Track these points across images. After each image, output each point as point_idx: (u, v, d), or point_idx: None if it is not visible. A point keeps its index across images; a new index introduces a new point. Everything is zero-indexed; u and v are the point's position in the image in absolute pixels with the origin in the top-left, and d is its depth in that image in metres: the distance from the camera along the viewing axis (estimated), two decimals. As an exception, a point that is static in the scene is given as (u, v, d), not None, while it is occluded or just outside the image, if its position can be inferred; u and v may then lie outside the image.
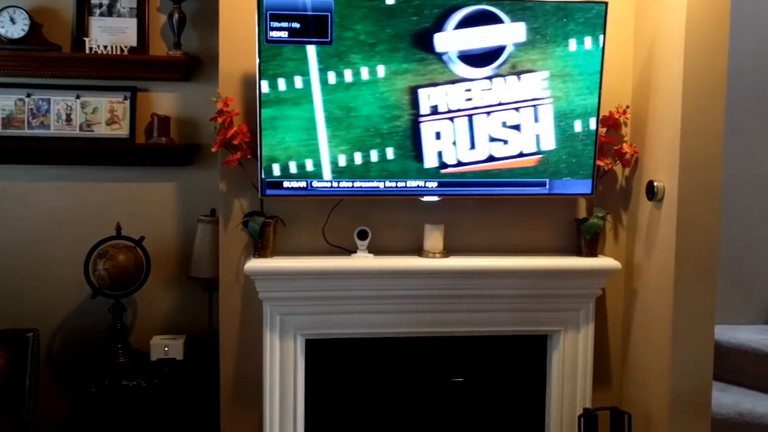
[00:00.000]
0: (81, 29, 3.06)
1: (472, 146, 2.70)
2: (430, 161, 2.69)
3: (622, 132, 2.90)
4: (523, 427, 2.94)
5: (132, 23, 3.09)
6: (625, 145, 2.84)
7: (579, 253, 2.87)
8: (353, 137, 2.63)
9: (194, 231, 3.04)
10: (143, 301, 3.14)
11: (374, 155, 2.65)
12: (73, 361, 3.04)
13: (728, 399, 3.15)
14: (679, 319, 2.59)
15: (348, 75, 2.60)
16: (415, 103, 2.64)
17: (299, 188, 2.65)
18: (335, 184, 2.66)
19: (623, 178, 2.95)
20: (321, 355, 2.80)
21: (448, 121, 2.67)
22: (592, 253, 2.85)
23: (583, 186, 2.77)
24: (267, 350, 2.71)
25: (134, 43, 3.07)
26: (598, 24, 2.66)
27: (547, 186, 2.75)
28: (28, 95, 3.07)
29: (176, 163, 3.12)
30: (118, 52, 3.01)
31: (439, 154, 2.69)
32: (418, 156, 2.67)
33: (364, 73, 2.60)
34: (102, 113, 3.11)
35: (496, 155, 2.72)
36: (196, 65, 3.10)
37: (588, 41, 2.68)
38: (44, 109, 3.08)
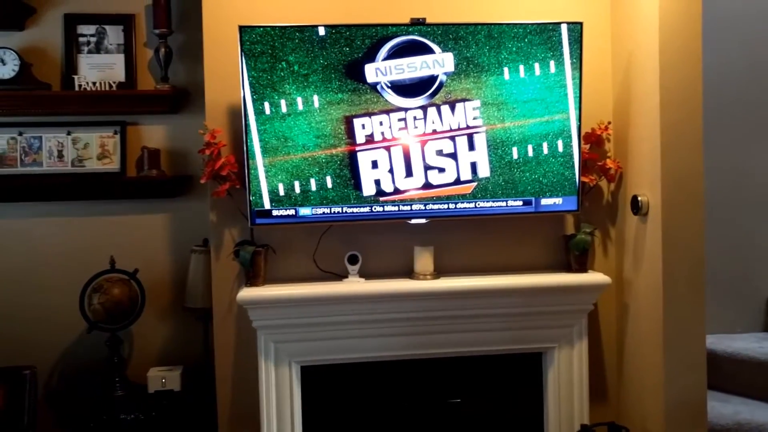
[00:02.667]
0: (70, 67, 3.11)
1: (409, 174, 2.73)
2: (367, 189, 2.71)
3: (606, 148, 2.94)
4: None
5: (120, 59, 3.14)
6: (608, 160, 2.88)
7: (569, 269, 2.89)
8: (290, 167, 2.67)
9: (188, 261, 3.05)
10: (139, 333, 3.15)
11: (313, 184, 2.68)
12: (72, 396, 3.05)
13: (727, 409, 3.15)
14: (670, 331, 2.61)
15: (283, 105, 2.64)
16: (350, 132, 2.68)
17: (288, 216, 2.68)
18: (322, 211, 2.69)
19: (609, 193, 2.97)
20: (317, 381, 2.81)
21: (384, 150, 2.70)
22: (582, 268, 2.87)
23: (569, 202, 2.79)
24: (263, 379, 2.72)
25: (122, 79, 3.12)
26: (557, 45, 2.71)
27: (533, 204, 2.78)
28: (20, 133, 3.11)
29: (168, 195, 3.15)
30: (107, 88, 3.05)
31: (377, 182, 2.72)
32: (357, 184, 2.71)
33: (299, 103, 2.65)
34: (93, 148, 3.15)
35: (433, 183, 2.75)
36: (183, 97, 3.14)
37: (552, 64, 2.73)
38: (36, 146, 3.12)
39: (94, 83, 3.06)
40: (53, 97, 3.07)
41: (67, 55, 3.12)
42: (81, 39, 3.14)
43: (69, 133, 3.14)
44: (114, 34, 3.15)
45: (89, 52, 3.14)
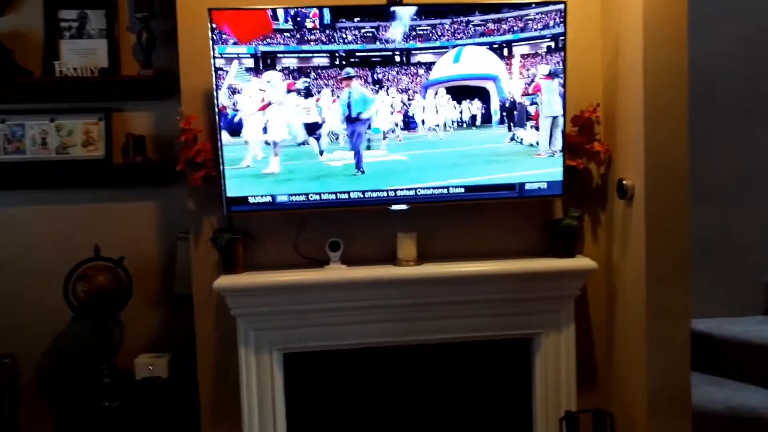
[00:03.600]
0: (52, 53, 3.07)
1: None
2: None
3: (596, 130, 2.85)
4: (511, 429, 2.91)
5: (102, 44, 3.10)
6: (597, 143, 2.80)
7: (556, 254, 2.83)
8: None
9: (176, 248, 3.04)
10: (129, 320, 3.15)
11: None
12: (60, 383, 3.06)
13: (720, 394, 3.09)
14: (653, 316, 2.56)
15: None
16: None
17: (265, 203, 2.64)
18: (300, 198, 2.65)
19: (599, 176, 2.90)
20: (300, 368, 2.80)
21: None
22: (569, 253, 2.81)
23: (554, 187, 2.73)
24: (243, 366, 2.71)
25: (105, 64, 3.08)
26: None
27: (517, 189, 2.72)
28: (3, 121, 3.09)
29: (154, 182, 3.12)
30: (89, 74, 3.02)
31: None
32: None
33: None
34: (77, 135, 3.12)
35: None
36: (168, 83, 3.09)
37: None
38: (19, 134, 3.10)
39: (75, 69, 3.03)
40: (35, 84, 3.05)
41: (48, 41, 3.08)
42: (63, 24, 3.10)
43: (52, 120, 3.12)
44: (96, 19, 3.11)
45: (71, 37, 3.10)
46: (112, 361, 3.05)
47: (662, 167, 2.49)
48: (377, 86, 2.67)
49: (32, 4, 3.07)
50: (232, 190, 2.64)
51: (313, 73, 2.65)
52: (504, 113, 2.75)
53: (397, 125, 2.72)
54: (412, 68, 2.67)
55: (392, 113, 2.70)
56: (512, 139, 2.76)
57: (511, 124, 2.76)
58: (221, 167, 2.61)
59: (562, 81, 2.69)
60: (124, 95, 3.10)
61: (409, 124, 2.68)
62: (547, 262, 2.77)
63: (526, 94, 2.73)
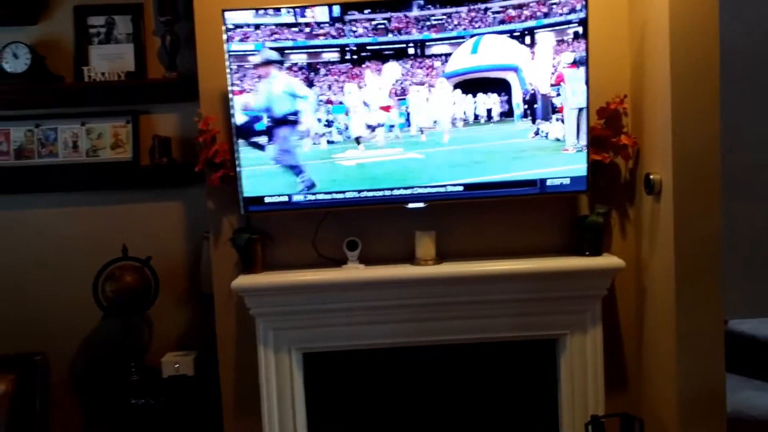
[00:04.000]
0: (81, 58, 3.15)
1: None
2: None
3: (624, 123, 2.74)
4: (536, 433, 2.83)
5: (129, 48, 3.16)
6: (623, 136, 2.68)
7: (582, 252, 2.73)
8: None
9: (201, 248, 3.07)
10: (158, 319, 3.20)
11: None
12: (91, 381, 3.13)
13: (763, 399, 2.92)
14: (683, 316, 2.44)
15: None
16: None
17: (281, 203, 2.64)
18: (316, 197, 2.64)
19: (627, 171, 2.78)
20: (321, 368, 2.78)
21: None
22: (596, 251, 2.71)
23: (578, 182, 2.63)
24: (262, 366, 2.72)
25: (132, 68, 3.14)
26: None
27: (538, 185, 2.63)
28: (37, 126, 3.18)
29: (180, 183, 3.16)
30: (116, 78, 3.08)
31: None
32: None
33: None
34: (106, 138, 3.19)
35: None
36: (192, 85, 3.12)
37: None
38: (52, 138, 3.19)
39: (103, 74, 3.09)
40: (66, 89, 3.12)
41: (78, 47, 3.16)
42: (91, 30, 3.17)
43: (83, 124, 3.19)
44: (123, 24, 3.17)
45: (99, 43, 3.17)
46: (141, 359, 3.10)
47: (691, 160, 2.37)
48: None
49: (63, 11, 3.15)
50: (249, 189, 2.64)
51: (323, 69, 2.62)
52: (527, 106, 2.65)
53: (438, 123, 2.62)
54: (427, 60, 2.60)
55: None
56: (537, 133, 2.66)
57: (535, 117, 2.65)
58: (237, 167, 2.62)
59: (586, 70, 2.58)
60: (151, 98, 3.15)
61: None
62: (572, 260, 2.68)
63: (550, 84, 2.61)
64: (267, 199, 2.64)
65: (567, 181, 2.63)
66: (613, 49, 2.73)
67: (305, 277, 2.65)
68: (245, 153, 2.63)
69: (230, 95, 2.60)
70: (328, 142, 2.67)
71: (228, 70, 2.61)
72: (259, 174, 2.65)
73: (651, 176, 2.50)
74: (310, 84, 2.63)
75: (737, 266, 2.98)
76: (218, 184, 2.67)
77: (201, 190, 3.12)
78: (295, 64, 2.62)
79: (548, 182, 2.64)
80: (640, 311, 2.78)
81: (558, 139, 2.64)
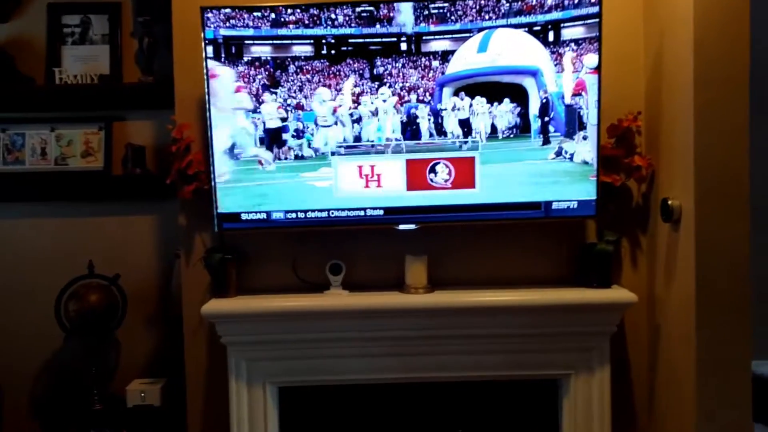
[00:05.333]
0: (53, 59, 2.93)
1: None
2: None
3: (636, 142, 2.50)
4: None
5: (104, 50, 2.95)
6: (637, 157, 2.43)
7: (588, 284, 2.47)
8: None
9: (173, 267, 2.83)
10: (125, 342, 2.97)
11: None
12: (50, 409, 2.89)
13: (786, 451, 2.65)
14: (705, 360, 2.17)
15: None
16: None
17: (258, 221, 2.39)
18: (297, 215, 2.39)
19: (640, 195, 2.53)
20: (298, 404, 2.53)
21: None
22: (604, 283, 2.45)
23: (585, 206, 2.38)
24: (233, 400, 2.46)
25: (107, 71, 2.93)
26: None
27: (543, 208, 2.38)
28: (3, 130, 2.97)
29: (154, 195, 2.94)
30: (89, 81, 2.86)
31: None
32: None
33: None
34: (77, 146, 2.97)
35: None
36: (169, 91, 2.89)
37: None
38: (19, 143, 2.97)
39: (75, 76, 2.87)
40: (35, 92, 2.91)
41: (51, 47, 2.95)
42: (65, 30, 2.97)
43: (53, 130, 2.98)
44: (99, 24, 2.97)
45: (74, 43, 2.97)
46: (106, 385, 2.87)
47: (716, 184, 2.12)
48: (377, 83, 2.31)
49: (36, 9, 2.97)
50: (224, 205, 2.39)
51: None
52: (546, 119, 2.32)
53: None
54: (423, 59, 2.27)
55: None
56: (558, 154, 2.36)
57: (557, 134, 2.32)
58: (212, 181, 2.38)
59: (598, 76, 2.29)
60: (125, 104, 2.95)
61: (416, 133, 2.36)
62: (578, 292, 2.42)
63: (576, 93, 2.28)
64: (244, 216, 2.39)
65: (574, 205, 2.38)
66: (626, 61, 2.50)
67: (283, 303, 2.40)
68: (222, 165, 2.39)
69: (207, 97, 2.36)
70: (297, 157, 2.37)
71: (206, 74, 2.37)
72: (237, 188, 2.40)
73: (669, 202, 2.25)
74: (275, 84, 2.33)
75: (757, 302, 2.72)
76: (190, 197, 2.43)
77: (176, 205, 2.88)
78: (257, 58, 2.33)
79: (554, 205, 2.39)
80: (652, 352, 2.52)
81: (586, 162, 2.34)
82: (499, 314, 2.41)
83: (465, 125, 2.34)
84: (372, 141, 2.33)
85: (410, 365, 2.47)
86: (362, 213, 2.39)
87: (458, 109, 2.32)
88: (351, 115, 2.33)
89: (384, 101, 2.29)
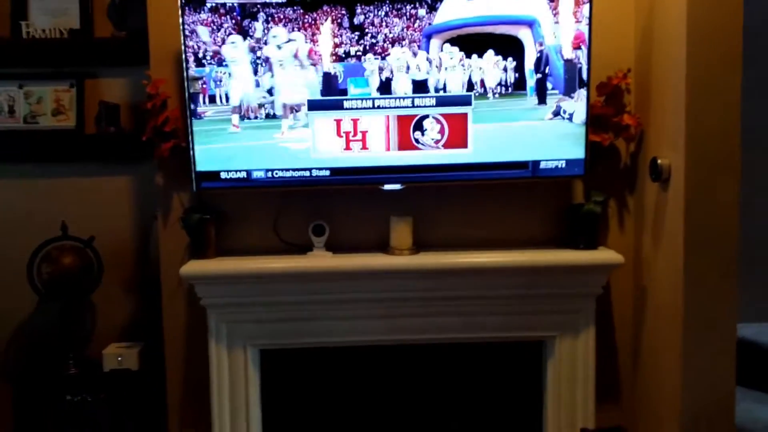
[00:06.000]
0: (19, 12, 2.79)
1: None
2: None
3: (626, 101, 2.45)
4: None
5: (74, 3, 2.81)
6: (626, 116, 2.39)
7: (575, 245, 2.44)
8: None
9: (150, 229, 2.75)
10: (101, 305, 2.89)
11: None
12: (23, 373, 2.82)
13: (765, 413, 2.67)
14: (691, 321, 2.16)
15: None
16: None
17: (238, 180, 2.31)
18: (279, 174, 2.31)
19: (628, 155, 2.49)
20: (279, 367, 2.49)
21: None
22: (591, 245, 2.43)
23: (574, 166, 2.33)
24: (214, 363, 2.41)
25: (77, 25, 2.79)
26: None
27: (530, 168, 2.33)
28: (-32, 88, 2.83)
29: (129, 156, 2.83)
30: (58, 36, 2.73)
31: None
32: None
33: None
34: (47, 103, 2.85)
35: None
36: (145, 46, 2.78)
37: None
38: (-15, 101, 2.83)
39: (44, 30, 2.74)
40: (1, 47, 2.77)
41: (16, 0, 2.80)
42: (32, -20, 2.81)
43: (21, 87, 2.85)
44: (69, -27, 2.82)
45: (40, -5, 2.82)
46: (81, 349, 2.79)
47: (707, 142, 2.08)
48: (357, 33, 2.20)
49: (-1, -42, 2.79)
50: (203, 163, 2.31)
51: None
52: (543, 75, 2.23)
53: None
54: (408, 7, 2.13)
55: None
56: (557, 113, 2.29)
57: (554, 91, 2.22)
58: (190, 137, 2.29)
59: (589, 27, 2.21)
60: (98, 60, 2.82)
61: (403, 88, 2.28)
62: (564, 254, 2.39)
63: (576, 47, 2.17)
64: (223, 175, 2.31)
65: (562, 165, 2.34)
66: (615, 17, 2.43)
67: (264, 264, 2.34)
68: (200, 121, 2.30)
69: (184, 52, 2.26)
70: (268, 116, 2.25)
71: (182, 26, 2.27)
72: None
73: (659, 161, 2.21)
74: (242, 34, 2.21)
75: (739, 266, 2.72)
76: (168, 156, 2.34)
77: (153, 166, 2.79)
78: (223, 4, 2.18)
79: (542, 165, 2.34)
80: (638, 313, 2.50)
81: (586, 122, 2.27)
82: (484, 276, 2.38)
83: (454, 81, 2.26)
84: (355, 96, 2.25)
85: (394, 327, 2.43)
86: (346, 173, 2.32)
87: (447, 65, 2.24)
88: (329, 70, 2.24)
89: (365, 54, 2.20)
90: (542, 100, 2.27)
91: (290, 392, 2.51)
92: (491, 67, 2.22)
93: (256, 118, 2.26)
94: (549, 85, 2.26)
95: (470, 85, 2.24)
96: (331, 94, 2.23)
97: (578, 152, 2.32)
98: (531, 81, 2.25)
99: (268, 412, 2.49)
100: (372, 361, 2.52)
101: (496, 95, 2.25)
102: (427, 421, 2.55)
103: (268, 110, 2.26)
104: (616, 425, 2.37)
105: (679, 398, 2.19)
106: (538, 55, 2.23)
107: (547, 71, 2.24)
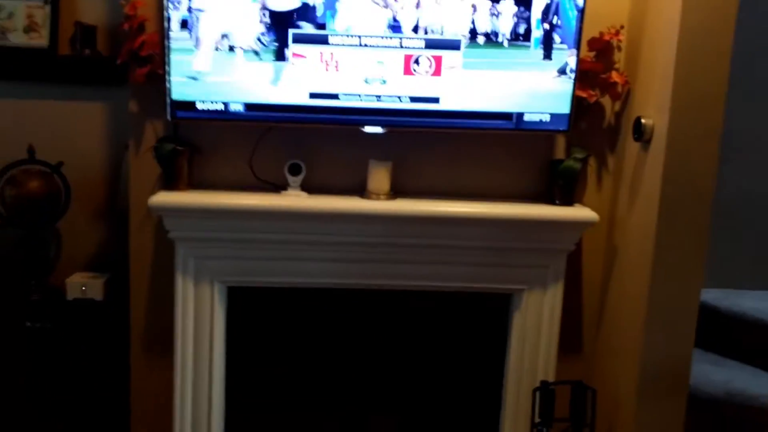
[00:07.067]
0: None
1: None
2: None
3: (615, 58, 2.42)
4: (478, 398, 2.59)
5: None
6: (615, 73, 2.36)
7: (552, 201, 2.43)
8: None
9: (122, 158, 2.68)
10: (68, 234, 2.82)
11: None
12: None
13: (720, 375, 2.74)
14: (658, 281, 2.18)
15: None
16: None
17: (215, 112, 2.25)
18: (258, 110, 2.25)
19: (613, 114, 2.47)
20: (246, 305, 2.47)
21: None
22: (567, 201, 2.42)
23: (559, 120, 2.31)
24: (179, 296, 2.38)
25: (51, -67, 2.65)
26: None
27: (514, 119, 2.30)
28: (-67, -2, 2.68)
29: (104, 80, 2.73)
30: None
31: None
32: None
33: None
34: (19, 19, 2.72)
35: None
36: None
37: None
38: (-48, 13, 2.69)
39: (14, -62, 2.60)
40: (-30, -46, 2.62)
41: None
42: None
43: (-9, 0, 2.70)
44: None
45: None
46: (45, 277, 2.73)
47: (693, 106, 2.06)
48: None
49: None
50: (179, 92, 2.23)
51: None
52: (551, 27, 2.13)
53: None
54: None
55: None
56: (563, 72, 2.22)
57: (563, 45, 2.13)
58: (167, 64, 2.21)
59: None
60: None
61: (396, 28, 2.19)
62: (539, 209, 2.38)
63: None
64: (199, 106, 2.24)
65: (546, 118, 2.30)
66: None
67: (236, 200, 2.29)
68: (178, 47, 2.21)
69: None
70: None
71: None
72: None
73: (643, 120, 2.19)
74: None
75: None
76: (143, 81, 2.26)
77: (129, 92, 2.71)
78: None
79: (526, 117, 2.30)
80: (607, 272, 2.52)
81: None
82: (458, 225, 2.36)
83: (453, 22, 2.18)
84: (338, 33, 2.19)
85: (364, 272, 2.42)
86: (326, 112, 2.26)
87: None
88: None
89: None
90: (548, 54, 2.19)
91: (256, 332, 2.50)
92: (501, 12, 2.10)
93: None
94: (556, 38, 2.17)
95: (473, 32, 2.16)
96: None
97: (563, 107, 2.29)
98: (537, 32, 2.15)
99: (233, 350, 2.47)
100: (340, 304, 2.51)
101: (502, 41, 2.15)
102: (391, 366, 2.56)
103: (250, 41, 2.18)
104: (575, 380, 2.40)
105: (639, 357, 2.23)
106: (548, 1, 2.14)
107: (555, 21, 2.13)
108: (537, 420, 2.38)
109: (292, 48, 2.17)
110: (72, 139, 2.76)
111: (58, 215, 2.69)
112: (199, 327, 2.39)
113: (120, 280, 2.69)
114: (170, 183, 2.33)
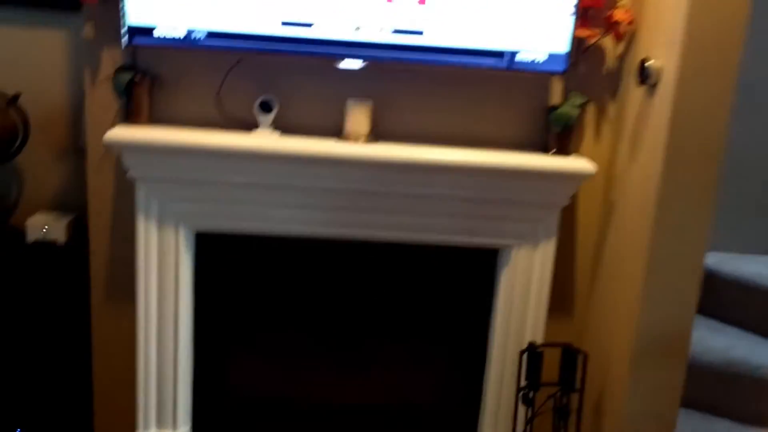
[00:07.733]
0: None
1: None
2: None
3: (621, -5, 2.19)
4: (462, 359, 2.44)
5: None
6: (618, 10, 2.13)
7: (546, 150, 2.24)
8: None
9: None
10: (28, 172, 2.64)
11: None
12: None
13: (719, 342, 2.60)
14: (660, 240, 2.00)
15: None
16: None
17: (174, 39, 2.03)
18: (223, 38, 2.04)
19: (614, 56, 2.26)
20: (215, 252, 2.30)
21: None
22: (563, 151, 2.23)
23: (555, 61, 2.09)
24: (141, 241, 2.21)
25: None
26: None
27: (505, 59, 2.08)
28: None
29: (66, 5, 2.50)
30: None
31: None
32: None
33: None
34: (-31, -69, 2.48)
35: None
36: None
37: None
38: None
39: None
40: None
41: None
42: None
43: None
44: None
45: None
46: (4, 218, 2.56)
47: (707, 46, 1.85)
48: None
49: None
50: (136, 15, 2.02)
51: None
52: None
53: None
54: None
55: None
56: (561, 7, 2.04)
57: None
58: (123, -18, 1.99)
59: None
60: None
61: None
62: (532, 158, 2.19)
63: None
64: (156, 32, 2.02)
65: (541, 58, 2.09)
66: None
67: (202, 138, 2.10)
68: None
69: None
70: None
71: None
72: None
73: (648, 62, 1.98)
74: None
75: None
76: (97, 3, 2.04)
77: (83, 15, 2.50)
78: None
79: (518, 56, 2.09)
80: (603, 228, 2.35)
81: None
82: (445, 174, 2.18)
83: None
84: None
85: (341, 221, 2.25)
86: (300, 43, 2.05)
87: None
88: None
89: None
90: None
91: (223, 279, 2.34)
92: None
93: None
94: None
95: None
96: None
97: (561, 45, 2.07)
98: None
99: (198, 297, 2.32)
100: (314, 255, 2.35)
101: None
102: (370, 323, 2.41)
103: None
104: (565, 342, 2.25)
105: (635, 320, 2.07)
106: None
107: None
108: (523, 383, 2.23)
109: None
110: (30, 68, 2.55)
111: (16, 151, 2.50)
112: (164, 274, 2.23)
113: (85, 221, 2.53)
114: (129, 117, 2.14)
